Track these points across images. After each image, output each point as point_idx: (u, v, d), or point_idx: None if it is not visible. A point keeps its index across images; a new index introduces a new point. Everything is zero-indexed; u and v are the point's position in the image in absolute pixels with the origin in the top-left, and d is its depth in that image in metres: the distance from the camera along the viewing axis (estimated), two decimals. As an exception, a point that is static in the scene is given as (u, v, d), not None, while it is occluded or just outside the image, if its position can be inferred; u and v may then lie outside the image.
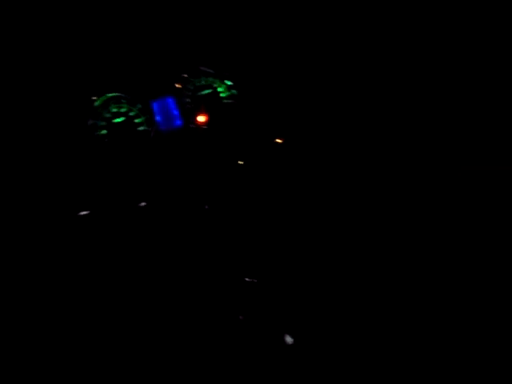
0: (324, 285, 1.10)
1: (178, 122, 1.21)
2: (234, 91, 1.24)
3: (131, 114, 1.19)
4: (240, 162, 1.16)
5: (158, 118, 1.19)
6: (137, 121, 1.19)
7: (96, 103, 1.14)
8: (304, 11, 1.26)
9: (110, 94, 1.16)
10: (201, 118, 1.23)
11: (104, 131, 1.18)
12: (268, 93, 1.25)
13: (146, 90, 1.20)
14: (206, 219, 1.13)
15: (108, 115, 1.18)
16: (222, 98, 1.25)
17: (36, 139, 1.12)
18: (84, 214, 1.09)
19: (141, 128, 1.20)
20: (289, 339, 1.01)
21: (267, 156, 1.18)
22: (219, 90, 1.24)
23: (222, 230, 1.12)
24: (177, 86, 1.20)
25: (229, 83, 1.24)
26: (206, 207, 1.14)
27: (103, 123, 1.18)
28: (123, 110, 1.18)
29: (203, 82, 1.23)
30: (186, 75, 1.20)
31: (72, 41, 1.20)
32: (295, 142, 1.18)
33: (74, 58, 1.20)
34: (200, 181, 1.17)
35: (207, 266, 1.06)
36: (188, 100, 1.23)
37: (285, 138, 1.18)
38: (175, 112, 1.21)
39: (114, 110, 1.18)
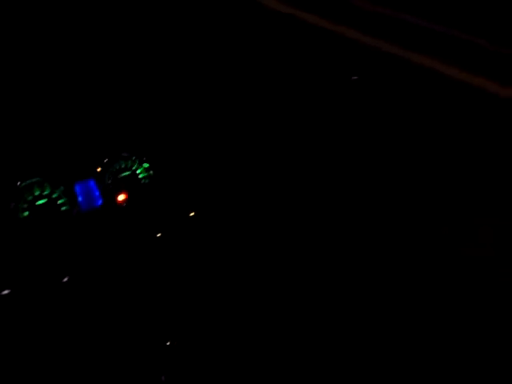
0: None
1: (99, 202, 1.34)
2: (151, 172, 1.42)
3: (54, 195, 1.30)
4: (158, 235, 1.31)
5: (80, 198, 1.31)
6: (59, 202, 1.30)
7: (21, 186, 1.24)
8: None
9: (35, 179, 1.26)
10: (120, 197, 1.38)
11: (26, 213, 1.27)
12: (182, 173, 1.45)
13: (69, 173, 1.32)
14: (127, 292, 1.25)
15: (30, 198, 1.28)
16: (140, 178, 1.41)
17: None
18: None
19: (63, 208, 1.30)
20: None
21: (181, 228, 1.35)
22: (138, 172, 1.41)
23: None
24: (98, 169, 1.35)
25: (146, 165, 1.42)
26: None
27: (25, 205, 1.27)
28: (46, 192, 1.29)
29: (123, 166, 1.39)
30: (106, 159, 1.36)
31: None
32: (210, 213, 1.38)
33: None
34: (121, 253, 1.29)
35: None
36: (109, 182, 1.37)
37: (196, 212, 1.36)
38: (96, 193, 1.35)
39: (37, 192, 1.28)
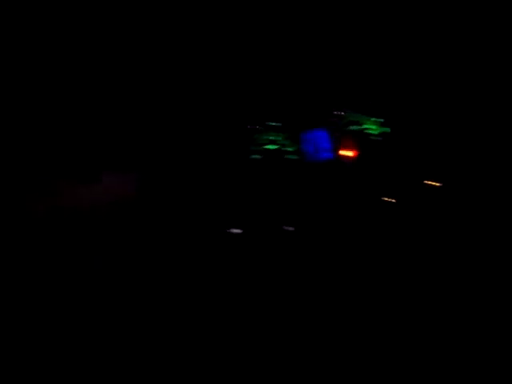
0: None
1: (326, 154, 1.25)
2: (386, 129, 1.25)
3: (284, 142, 1.27)
4: (385, 199, 1.16)
5: (310, 148, 1.25)
6: (288, 149, 1.26)
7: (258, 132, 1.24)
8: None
9: (272, 123, 1.25)
10: (348, 152, 1.26)
11: (257, 156, 1.27)
12: (419, 135, 1.24)
13: (300, 122, 1.26)
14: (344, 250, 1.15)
15: (262, 142, 1.27)
16: (371, 134, 1.26)
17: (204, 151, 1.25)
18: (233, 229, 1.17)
19: (291, 156, 1.26)
20: None
21: (417, 197, 1.16)
22: (368, 127, 1.26)
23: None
24: (329, 120, 1.25)
25: (380, 120, 1.25)
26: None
27: (257, 148, 1.27)
28: (278, 138, 1.26)
29: (355, 119, 1.26)
30: (339, 112, 1.25)
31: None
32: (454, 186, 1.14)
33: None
34: (343, 212, 1.19)
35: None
36: (338, 134, 1.27)
37: (441, 183, 1.14)
38: (325, 145, 1.26)
39: (271, 137, 1.26)
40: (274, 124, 1.27)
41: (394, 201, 1.13)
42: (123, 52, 1.29)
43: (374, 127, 1.28)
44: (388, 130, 1.26)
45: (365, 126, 1.29)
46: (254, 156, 1.28)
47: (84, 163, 1.15)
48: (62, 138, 1.24)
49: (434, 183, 1.15)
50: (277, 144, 1.28)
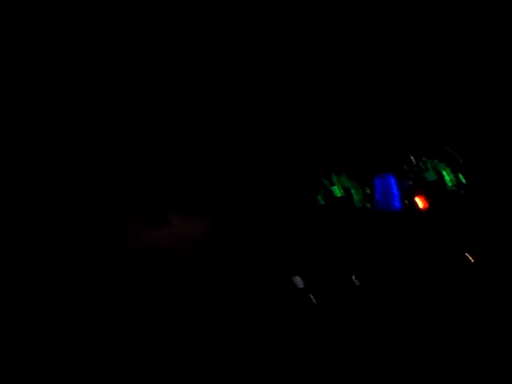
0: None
1: (397, 204, 1.21)
2: (462, 178, 1.18)
3: (352, 190, 1.24)
4: (469, 258, 1.08)
5: (378, 196, 1.22)
6: (356, 197, 1.24)
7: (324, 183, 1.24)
8: None
9: (338, 170, 1.24)
10: (420, 202, 1.20)
11: (322, 201, 1.26)
12: (501, 187, 1.15)
13: (370, 168, 1.24)
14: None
15: (330, 188, 1.26)
16: (447, 184, 1.20)
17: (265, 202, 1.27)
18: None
19: (359, 204, 1.24)
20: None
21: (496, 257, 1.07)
22: (446, 175, 1.20)
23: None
24: (403, 167, 1.21)
25: (458, 170, 1.19)
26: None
27: (324, 194, 1.26)
28: (345, 184, 1.25)
29: (429, 166, 1.21)
30: (413, 158, 1.21)
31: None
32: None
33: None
34: (413, 267, 1.13)
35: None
36: (410, 182, 1.22)
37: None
38: (395, 192, 1.21)
39: (337, 183, 1.25)
40: (343, 170, 1.25)
41: (471, 259, 1.05)
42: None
43: (450, 176, 1.21)
44: (463, 180, 1.18)
45: (441, 175, 1.22)
46: (320, 202, 1.26)
47: (148, 201, 1.18)
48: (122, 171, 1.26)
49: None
50: (343, 190, 1.25)
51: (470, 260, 1.04)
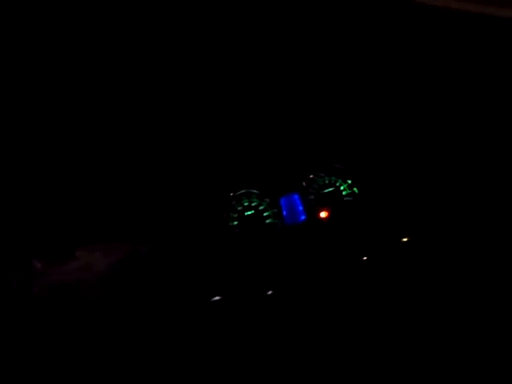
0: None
1: (302, 217, 1.31)
2: (355, 189, 1.33)
3: (260, 208, 1.32)
4: (364, 258, 1.19)
5: (284, 212, 1.30)
6: (265, 214, 1.32)
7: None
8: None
9: (244, 191, 1.31)
10: (322, 213, 1.32)
11: (235, 222, 1.31)
12: (389, 192, 1.31)
13: (274, 187, 1.33)
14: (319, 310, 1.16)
15: (240, 208, 1.32)
16: (343, 195, 1.33)
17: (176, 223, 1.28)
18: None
19: (269, 220, 1.31)
20: None
21: (390, 254, 1.20)
22: (341, 188, 1.34)
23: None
24: (302, 184, 1.32)
25: (350, 182, 1.33)
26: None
27: (235, 215, 1.32)
28: (254, 203, 1.32)
29: (326, 182, 1.34)
30: (311, 175, 1.33)
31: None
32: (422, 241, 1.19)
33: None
34: (322, 274, 1.21)
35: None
36: (312, 197, 1.33)
37: (410, 237, 1.19)
38: (300, 207, 1.32)
39: (246, 203, 1.32)
40: (251, 191, 1.34)
41: (366, 258, 1.17)
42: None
43: (345, 189, 1.35)
44: (356, 190, 1.33)
45: (337, 188, 1.36)
46: (233, 223, 1.32)
47: (53, 234, 1.14)
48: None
49: (404, 239, 1.20)
50: (253, 209, 1.33)
51: (365, 257, 1.15)
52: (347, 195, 1.34)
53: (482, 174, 1.27)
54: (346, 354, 1.10)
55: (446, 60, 1.29)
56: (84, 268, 0.95)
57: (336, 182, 1.35)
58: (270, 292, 1.17)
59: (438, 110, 1.34)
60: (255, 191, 1.34)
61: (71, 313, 0.90)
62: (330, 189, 1.35)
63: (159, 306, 1.10)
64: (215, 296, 1.15)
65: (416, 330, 1.11)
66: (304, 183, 1.34)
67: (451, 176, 1.30)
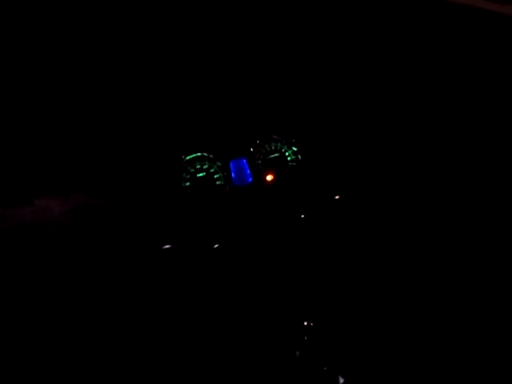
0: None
1: (249, 179, 1.42)
2: (298, 156, 1.45)
3: (211, 170, 1.42)
4: (302, 216, 1.33)
5: (233, 175, 1.41)
6: (215, 176, 1.42)
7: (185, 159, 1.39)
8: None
9: (197, 154, 1.40)
10: (268, 177, 1.44)
11: (188, 183, 1.41)
12: (331, 159, 1.45)
13: (225, 152, 1.43)
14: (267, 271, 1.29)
15: (192, 170, 1.42)
16: (288, 161, 1.46)
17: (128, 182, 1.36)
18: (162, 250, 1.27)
19: (218, 182, 1.42)
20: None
21: (327, 211, 1.35)
22: (286, 154, 1.46)
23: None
24: (250, 150, 1.43)
25: (295, 149, 1.46)
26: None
27: (188, 176, 1.41)
28: (205, 166, 1.42)
29: (273, 148, 1.45)
30: (258, 141, 1.44)
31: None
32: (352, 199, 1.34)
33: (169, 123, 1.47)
34: (266, 231, 1.34)
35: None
36: (259, 162, 1.45)
37: (341, 195, 1.34)
38: (247, 171, 1.43)
39: (198, 166, 1.42)
40: (204, 154, 1.43)
41: (304, 216, 1.32)
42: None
43: (290, 155, 1.48)
44: (299, 157, 1.46)
45: (283, 154, 1.49)
46: (185, 183, 1.42)
47: (12, 180, 1.17)
48: None
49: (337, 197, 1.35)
50: (205, 172, 1.43)
51: (304, 219, 1.28)
52: (291, 161, 1.47)
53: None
54: (285, 305, 1.23)
55: (445, 55, 1.36)
56: (40, 212, 1.01)
57: (282, 148, 1.48)
58: (216, 245, 1.29)
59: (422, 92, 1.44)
60: (207, 155, 1.44)
61: (29, 251, 0.96)
62: (276, 154, 1.47)
63: (113, 255, 1.18)
64: (166, 245, 1.25)
65: (353, 281, 1.25)
66: (252, 149, 1.46)
67: (380, 134, 1.44)
